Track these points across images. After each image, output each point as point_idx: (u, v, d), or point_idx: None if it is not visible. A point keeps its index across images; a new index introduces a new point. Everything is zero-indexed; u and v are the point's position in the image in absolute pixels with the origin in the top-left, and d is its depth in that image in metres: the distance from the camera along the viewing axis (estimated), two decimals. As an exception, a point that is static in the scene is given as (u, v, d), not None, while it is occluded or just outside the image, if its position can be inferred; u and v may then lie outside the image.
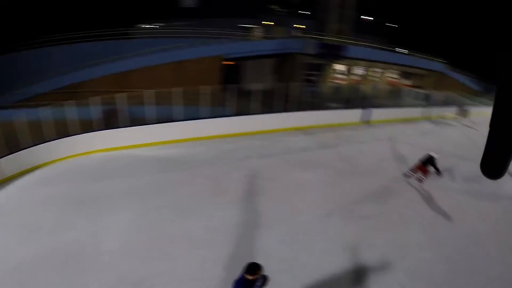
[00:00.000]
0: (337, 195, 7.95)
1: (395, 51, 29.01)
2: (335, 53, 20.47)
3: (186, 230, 6.21)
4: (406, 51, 29.63)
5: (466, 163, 10.34)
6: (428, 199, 8.11)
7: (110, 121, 11.04)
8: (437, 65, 30.47)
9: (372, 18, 41.04)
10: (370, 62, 24.59)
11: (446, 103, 20.36)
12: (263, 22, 30.06)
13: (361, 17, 41.39)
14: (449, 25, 42.61)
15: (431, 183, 8.74)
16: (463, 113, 20.37)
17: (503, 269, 5.65)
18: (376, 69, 26.33)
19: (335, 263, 5.49)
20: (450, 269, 5.54)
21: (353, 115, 14.03)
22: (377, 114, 14.81)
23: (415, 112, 17.56)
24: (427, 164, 8.92)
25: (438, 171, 8.81)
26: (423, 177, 9.06)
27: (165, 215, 6.72)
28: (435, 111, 18.86)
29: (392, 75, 28.30)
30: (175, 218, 6.61)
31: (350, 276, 5.23)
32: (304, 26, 30.30)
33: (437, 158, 8.82)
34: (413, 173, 9.21)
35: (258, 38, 20.53)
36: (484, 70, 35.75)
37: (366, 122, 14.17)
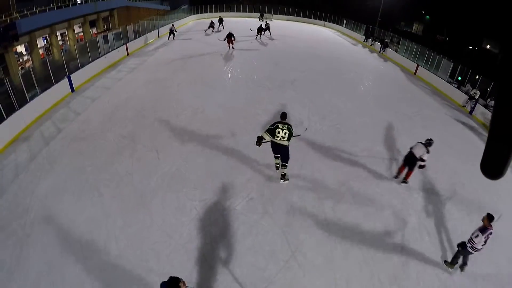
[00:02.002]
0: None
1: (75, 4, 26.32)
2: (7, 35, 16.83)
3: None
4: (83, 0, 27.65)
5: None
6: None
7: None
8: (119, 1, 31.11)
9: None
10: (51, 26, 21.75)
11: (143, 32, 21.16)
12: None
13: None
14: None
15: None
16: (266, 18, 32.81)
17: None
18: (60, 31, 23.65)
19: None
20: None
21: (59, 90, 11.86)
22: (82, 74, 13.42)
23: (117, 54, 17.11)
24: (230, 37, 17.74)
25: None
26: (232, 46, 18.09)
27: None
28: (137, 43, 19.66)
29: (80, 30, 26.04)
30: None
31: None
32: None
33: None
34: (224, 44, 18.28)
35: None
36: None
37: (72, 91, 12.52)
